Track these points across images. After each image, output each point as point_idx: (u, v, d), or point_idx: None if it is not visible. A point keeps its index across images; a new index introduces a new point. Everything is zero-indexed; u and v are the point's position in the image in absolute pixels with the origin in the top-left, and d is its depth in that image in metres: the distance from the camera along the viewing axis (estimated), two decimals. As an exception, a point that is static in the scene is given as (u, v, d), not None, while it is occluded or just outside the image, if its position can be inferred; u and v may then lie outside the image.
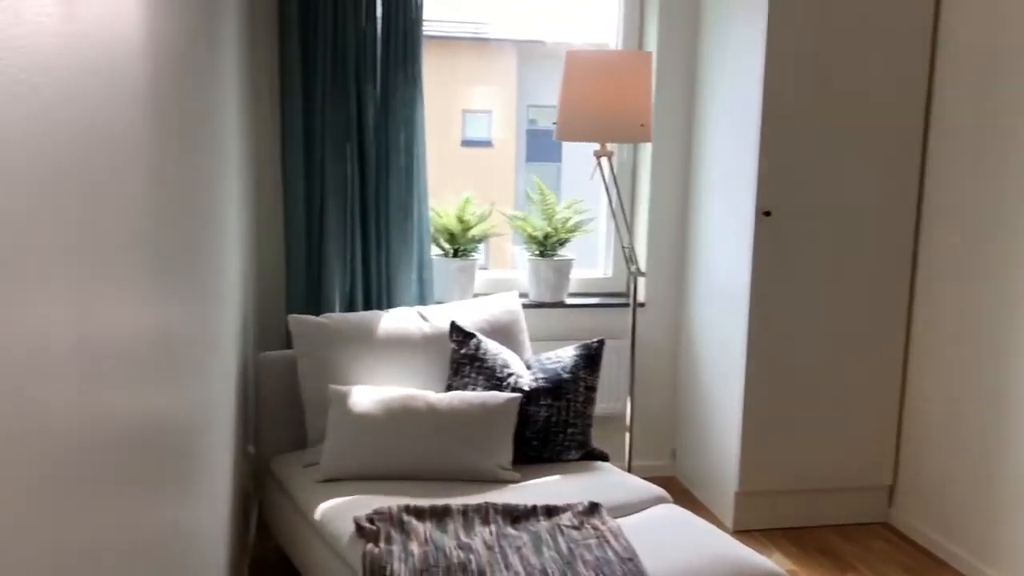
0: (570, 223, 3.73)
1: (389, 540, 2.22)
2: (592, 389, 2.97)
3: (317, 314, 3.13)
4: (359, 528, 2.29)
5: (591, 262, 3.96)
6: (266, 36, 3.30)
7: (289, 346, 3.07)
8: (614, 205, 3.50)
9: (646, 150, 3.80)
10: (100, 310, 0.99)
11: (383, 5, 3.28)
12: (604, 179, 3.25)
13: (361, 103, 3.30)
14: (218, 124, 2.15)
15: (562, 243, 3.73)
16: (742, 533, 3.37)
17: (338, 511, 2.45)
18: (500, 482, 2.70)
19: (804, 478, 3.46)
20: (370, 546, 2.20)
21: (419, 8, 3.31)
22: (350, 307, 3.37)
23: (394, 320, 3.07)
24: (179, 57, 1.57)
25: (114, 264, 1.05)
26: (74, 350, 0.88)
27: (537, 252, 3.71)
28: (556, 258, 3.70)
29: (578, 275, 3.83)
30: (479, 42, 4.55)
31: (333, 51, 3.25)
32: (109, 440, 1.02)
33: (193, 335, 1.68)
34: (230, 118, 2.45)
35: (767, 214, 3.27)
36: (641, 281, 3.75)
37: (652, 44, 3.71)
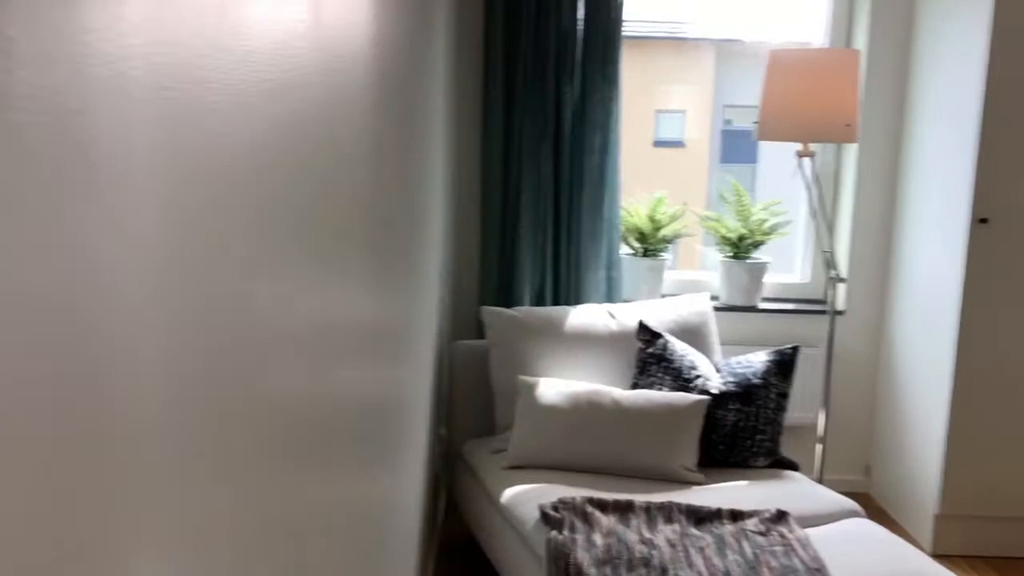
0: (766, 225, 3.64)
1: (573, 529, 2.27)
2: (784, 396, 2.90)
3: (509, 307, 3.23)
4: (544, 515, 2.35)
5: (787, 266, 3.84)
6: (471, 35, 3.44)
7: (481, 336, 3.19)
8: (815, 207, 3.39)
9: (851, 151, 3.64)
10: (331, 302, 1.08)
11: (585, 5, 3.33)
12: (805, 180, 3.15)
13: (559, 103, 3.37)
14: (429, 123, 2.27)
15: (757, 245, 3.64)
16: (941, 558, 3.17)
17: (524, 497, 2.53)
18: (684, 483, 2.69)
19: (1015, 504, 3.21)
20: (554, 533, 2.25)
21: (619, 8, 3.34)
22: (540, 301, 3.45)
23: (582, 316, 3.12)
24: (399, 58, 1.68)
25: (340, 259, 1.15)
26: (309, 336, 0.97)
27: (730, 254, 3.65)
28: (750, 261, 3.62)
29: (773, 279, 3.73)
30: (676, 42, 4.51)
31: (535, 51, 3.33)
32: (337, 416, 1.12)
33: (401, 323, 1.79)
34: (438, 116, 2.58)
35: (983, 221, 3.06)
36: (841, 287, 3.60)
37: (861, 41, 3.56)
